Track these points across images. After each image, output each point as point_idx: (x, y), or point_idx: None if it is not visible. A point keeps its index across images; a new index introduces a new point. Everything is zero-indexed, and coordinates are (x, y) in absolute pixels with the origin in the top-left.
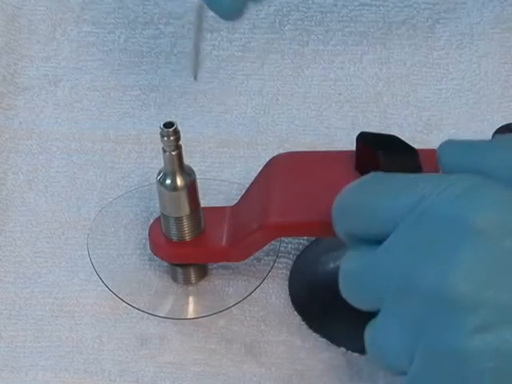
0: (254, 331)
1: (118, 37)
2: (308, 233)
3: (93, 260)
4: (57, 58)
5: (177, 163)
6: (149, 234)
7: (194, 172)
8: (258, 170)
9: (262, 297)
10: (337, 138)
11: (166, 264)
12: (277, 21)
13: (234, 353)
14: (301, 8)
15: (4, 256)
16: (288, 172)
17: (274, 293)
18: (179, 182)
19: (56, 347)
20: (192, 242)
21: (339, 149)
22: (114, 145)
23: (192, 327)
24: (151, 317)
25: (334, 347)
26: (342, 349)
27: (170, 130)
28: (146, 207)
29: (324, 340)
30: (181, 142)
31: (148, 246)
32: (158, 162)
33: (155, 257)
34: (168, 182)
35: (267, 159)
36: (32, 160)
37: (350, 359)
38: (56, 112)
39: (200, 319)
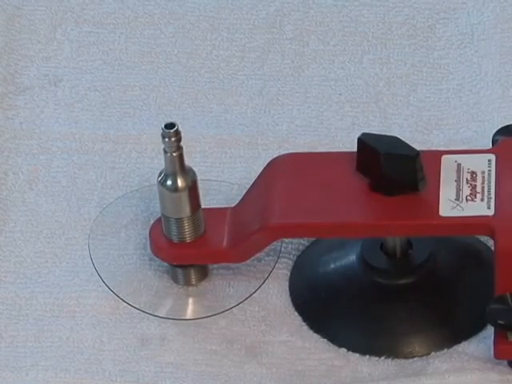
0: (254, 332)
1: (118, 37)
2: (309, 234)
3: (94, 260)
4: (57, 58)
5: (178, 164)
6: (149, 235)
7: (194, 173)
8: (258, 170)
9: (263, 297)
10: (337, 139)
11: (166, 264)
12: (277, 21)
13: (234, 353)
14: (301, 8)
15: (4, 256)
16: (289, 173)
17: (275, 293)
18: (180, 183)
19: (57, 347)
20: (193, 243)
21: (340, 149)
22: (115, 145)
23: (192, 328)
24: (152, 317)
25: (334, 348)
26: (343, 349)
27: (172, 131)
28: (147, 207)
29: (325, 340)
30: (182, 143)
31: (148, 247)
32: (159, 162)
33: (156, 257)
34: (169, 183)
35: (267, 159)
36: (32, 160)
37: (351, 360)
38: (56, 112)
39: (201, 320)
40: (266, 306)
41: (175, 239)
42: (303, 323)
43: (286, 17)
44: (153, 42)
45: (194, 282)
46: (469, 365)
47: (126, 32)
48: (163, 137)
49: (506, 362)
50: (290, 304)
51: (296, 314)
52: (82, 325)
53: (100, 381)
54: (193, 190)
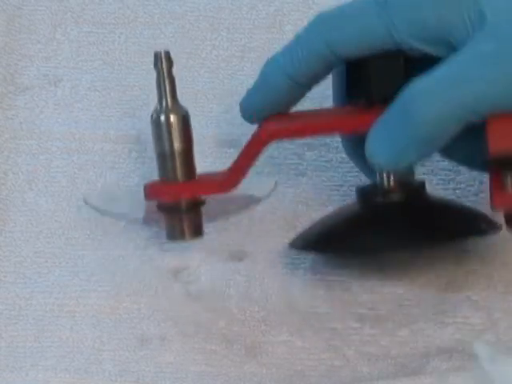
0: (254, 331)
1: (118, 37)
2: (304, 133)
3: (94, 260)
4: (57, 58)
5: (170, 94)
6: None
7: (186, 110)
8: (258, 170)
9: (263, 297)
10: (336, 138)
11: (166, 264)
12: (277, 21)
13: (234, 353)
14: (301, 8)
15: (4, 256)
16: (279, 121)
17: (275, 293)
18: (172, 110)
19: (56, 347)
20: (186, 181)
21: (339, 149)
22: (114, 145)
23: (192, 328)
24: (151, 317)
25: (334, 348)
26: (343, 349)
27: (163, 52)
28: None
29: (325, 340)
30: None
31: (148, 247)
32: None
33: (155, 257)
34: (162, 117)
35: (267, 159)
36: (32, 160)
37: (350, 360)
38: (56, 112)
39: (200, 320)
40: (265, 305)
41: (169, 176)
42: (303, 322)
43: (286, 17)
44: (153, 42)
45: (187, 238)
46: (468, 364)
47: (126, 32)
48: (155, 64)
49: None
50: (291, 304)
51: (296, 313)
52: (82, 325)
53: (100, 381)
54: (185, 121)
